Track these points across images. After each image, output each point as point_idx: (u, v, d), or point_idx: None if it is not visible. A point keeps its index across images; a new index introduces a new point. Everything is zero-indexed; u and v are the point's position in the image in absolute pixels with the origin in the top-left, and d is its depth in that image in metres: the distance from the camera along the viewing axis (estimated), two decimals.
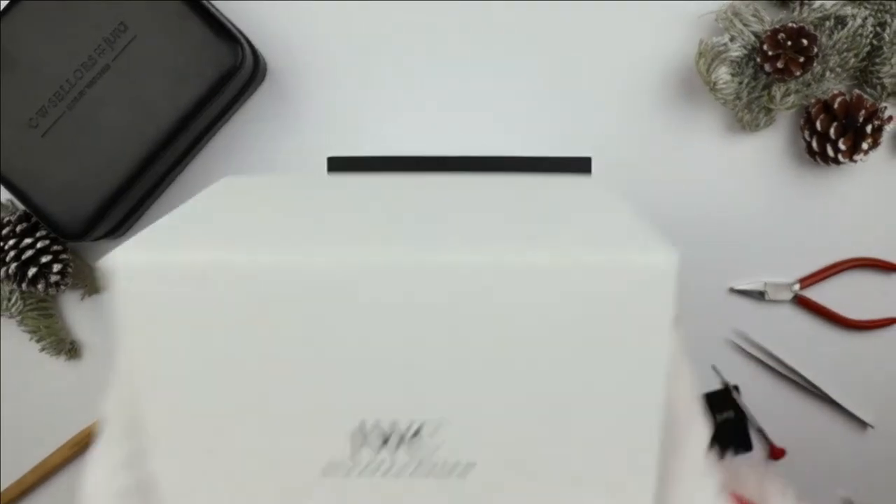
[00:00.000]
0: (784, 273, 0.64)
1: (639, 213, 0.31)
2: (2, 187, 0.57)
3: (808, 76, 0.59)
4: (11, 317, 0.61)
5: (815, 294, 0.63)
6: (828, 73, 0.60)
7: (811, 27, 0.57)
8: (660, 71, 0.62)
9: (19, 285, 0.59)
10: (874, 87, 0.60)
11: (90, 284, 0.62)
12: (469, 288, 0.24)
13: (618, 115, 0.62)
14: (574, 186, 0.36)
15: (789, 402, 0.64)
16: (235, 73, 0.56)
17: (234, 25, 0.58)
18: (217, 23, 0.56)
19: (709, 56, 0.57)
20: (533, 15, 0.62)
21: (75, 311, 0.63)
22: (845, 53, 0.59)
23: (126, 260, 0.25)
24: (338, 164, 0.47)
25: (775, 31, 0.57)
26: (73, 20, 0.55)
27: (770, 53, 0.56)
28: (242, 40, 0.57)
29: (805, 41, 0.56)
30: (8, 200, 0.60)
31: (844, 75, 0.61)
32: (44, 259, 0.58)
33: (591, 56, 0.62)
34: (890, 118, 0.58)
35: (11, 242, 0.58)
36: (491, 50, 0.62)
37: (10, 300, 0.60)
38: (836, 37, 0.58)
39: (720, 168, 0.63)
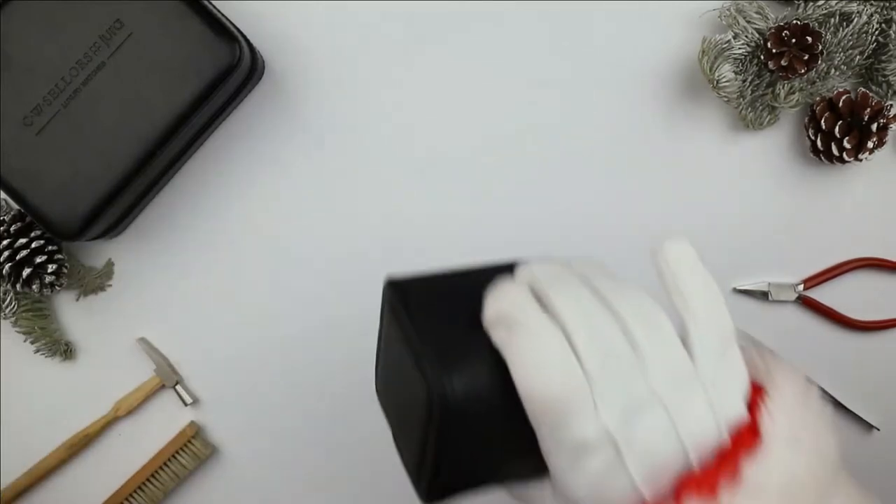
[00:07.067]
0: (788, 273, 0.63)
1: None
2: None
3: (812, 74, 0.58)
4: (6, 318, 0.60)
5: (819, 294, 0.63)
6: (833, 71, 0.59)
7: (816, 24, 0.57)
8: (662, 69, 0.62)
9: (13, 286, 0.58)
10: (880, 85, 0.59)
11: (85, 285, 0.61)
12: None
13: (620, 113, 0.62)
14: None
15: None
16: (233, 71, 0.55)
17: (231, 23, 0.57)
18: (215, 20, 0.55)
19: (712, 54, 0.57)
20: (535, 14, 0.61)
21: (70, 312, 0.62)
22: (850, 51, 0.58)
23: None
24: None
25: (779, 29, 0.56)
26: (69, 17, 0.55)
27: (774, 51, 0.56)
28: (240, 38, 0.56)
29: (809, 38, 0.55)
30: (2, 199, 0.60)
31: (849, 73, 0.60)
32: (38, 259, 0.57)
33: (593, 55, 0.62)
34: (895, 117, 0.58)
35: (5, 242, 0.57)
36: (493, 50, 0.62)
37: (4, 301, 0.59)
38: (841, 34, 0.58)
39: (723, 167, 0.62)
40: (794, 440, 0.30)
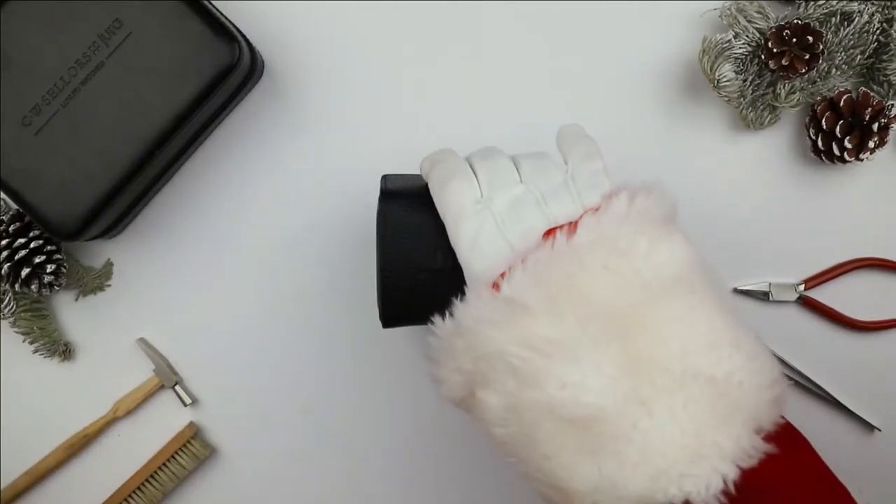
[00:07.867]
0: (789, 273, 0.63)
1: None
2: None
3: (813, 73, 0.58)
4: (4, 318, 0.60)
5: (820, 295, 0.63)
6: (833, 71, 0.59)
7: (817, 24, 0.56)
8: (663, 69, 0.62)
9: (12, 286, 0.58)
10: (881, 85, 0.59)
11: (84, 285, 0.61)
12: None
13: (621, 113, 0.62)
14: None
15: (794, 404, 0.63)
16: (232, 70, 0.55)
17: (231, 23, 0.57)
18: (214, 20, 0.55)
19: (712, 53, 0.57)
20: (535, 15, 0.61)
21: (69, 312, 0.62)
22: (851, 50, 0.58)
23: None
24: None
25: (780, 28, 0.56)
26: (68, 17, 0.55)
27: (775, 51, 0.56)
28: (240, 38, 0.56)
29: (810, 38, 0.55)
30: (1, 199, 0.60)
31: (850, 72, 0.60)
32: (37, 259, 0.57)
33: (594, 54, 0.62)
34: None
35: (4, 242, 0.57)
36: (492, 50, 0.62)
37: (2, 301, 0.59)
38: (842, 33, 0.58)
39: (724, 167, 0.62)
40: (629, 197, 0.41)
